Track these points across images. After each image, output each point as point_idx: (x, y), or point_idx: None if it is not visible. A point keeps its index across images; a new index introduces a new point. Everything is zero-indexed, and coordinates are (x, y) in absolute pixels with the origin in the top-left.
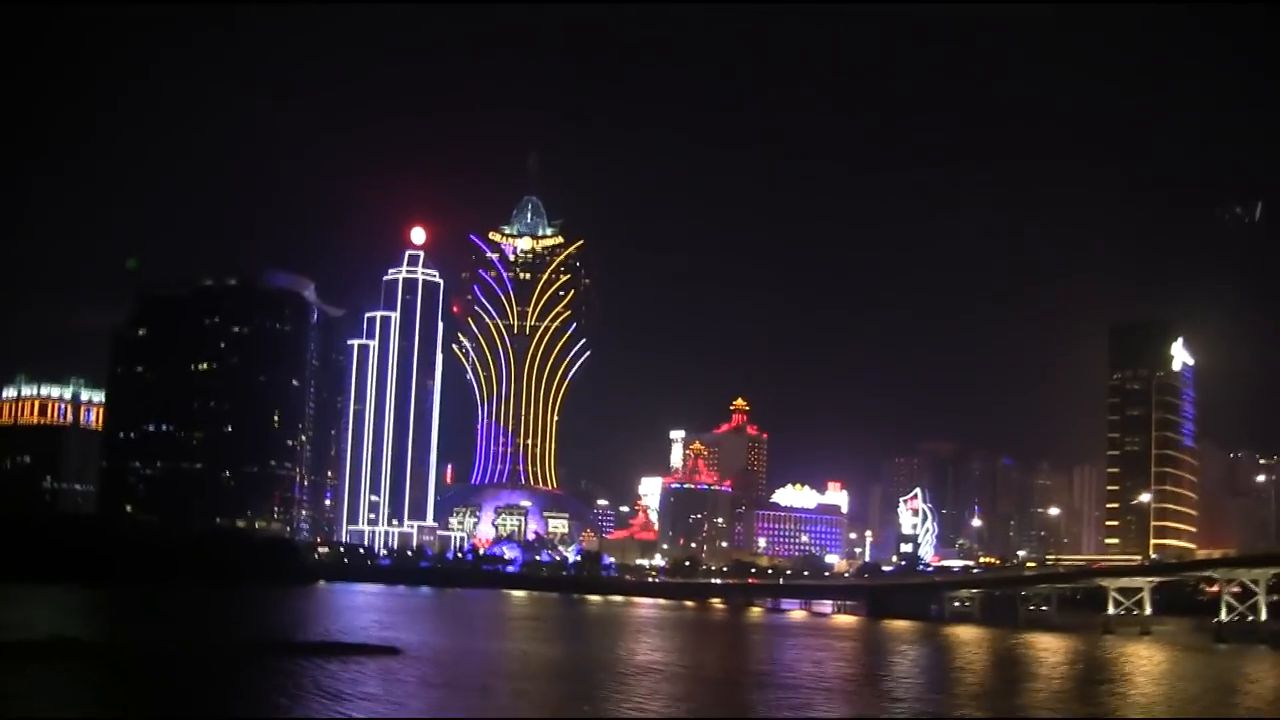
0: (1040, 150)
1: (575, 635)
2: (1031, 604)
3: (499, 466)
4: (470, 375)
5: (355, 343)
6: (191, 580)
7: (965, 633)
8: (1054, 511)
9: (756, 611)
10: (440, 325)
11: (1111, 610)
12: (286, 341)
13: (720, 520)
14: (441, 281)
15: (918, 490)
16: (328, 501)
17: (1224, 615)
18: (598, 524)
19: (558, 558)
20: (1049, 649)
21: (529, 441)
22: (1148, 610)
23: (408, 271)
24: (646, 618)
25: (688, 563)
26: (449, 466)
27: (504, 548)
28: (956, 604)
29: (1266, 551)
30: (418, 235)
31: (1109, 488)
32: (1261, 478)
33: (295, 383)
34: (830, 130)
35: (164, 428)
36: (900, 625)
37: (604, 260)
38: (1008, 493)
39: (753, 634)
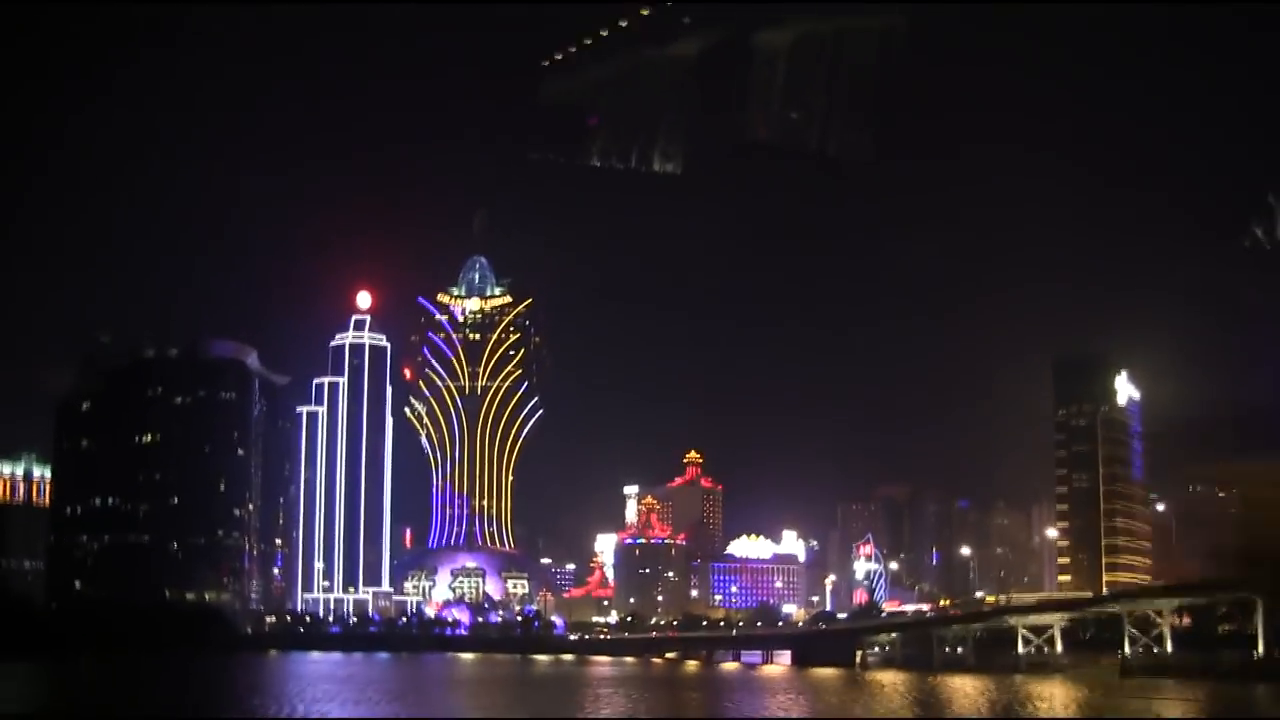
0: (983, 185)
1: (448, 695)
2: (948, 646)
3: (455, 529)
4: (424, 438)
5: (304, 409)
6: (130, 653)
7: (881, 677)
8: (987, 550)
9: (692, 665)
10: (389, 389)
11: (1021, 649)
12: (230, 410)
13: (673, 574)
14: (389, 345)
15: (869, 535)
16: (276, 570)
17: (1128, 650)
18: (556, 583)
19: (506, 619)
20: (945, 693)
21: (484, 503)
22: (1058, 648)
23: (354, 337)
24: (555, 675)
25: (631, 618)
26: (408, 530)
27: (453, 610)
28: (876, 649)
29: (1165, 584)
30: (364, 299)
31: (1059, 524)
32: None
33: (240, 451)
34: (782, 175)
35: (110, 501)
36: (822, 673)
37: (556, 315)
38: (965, 534)
39: (633, 689)
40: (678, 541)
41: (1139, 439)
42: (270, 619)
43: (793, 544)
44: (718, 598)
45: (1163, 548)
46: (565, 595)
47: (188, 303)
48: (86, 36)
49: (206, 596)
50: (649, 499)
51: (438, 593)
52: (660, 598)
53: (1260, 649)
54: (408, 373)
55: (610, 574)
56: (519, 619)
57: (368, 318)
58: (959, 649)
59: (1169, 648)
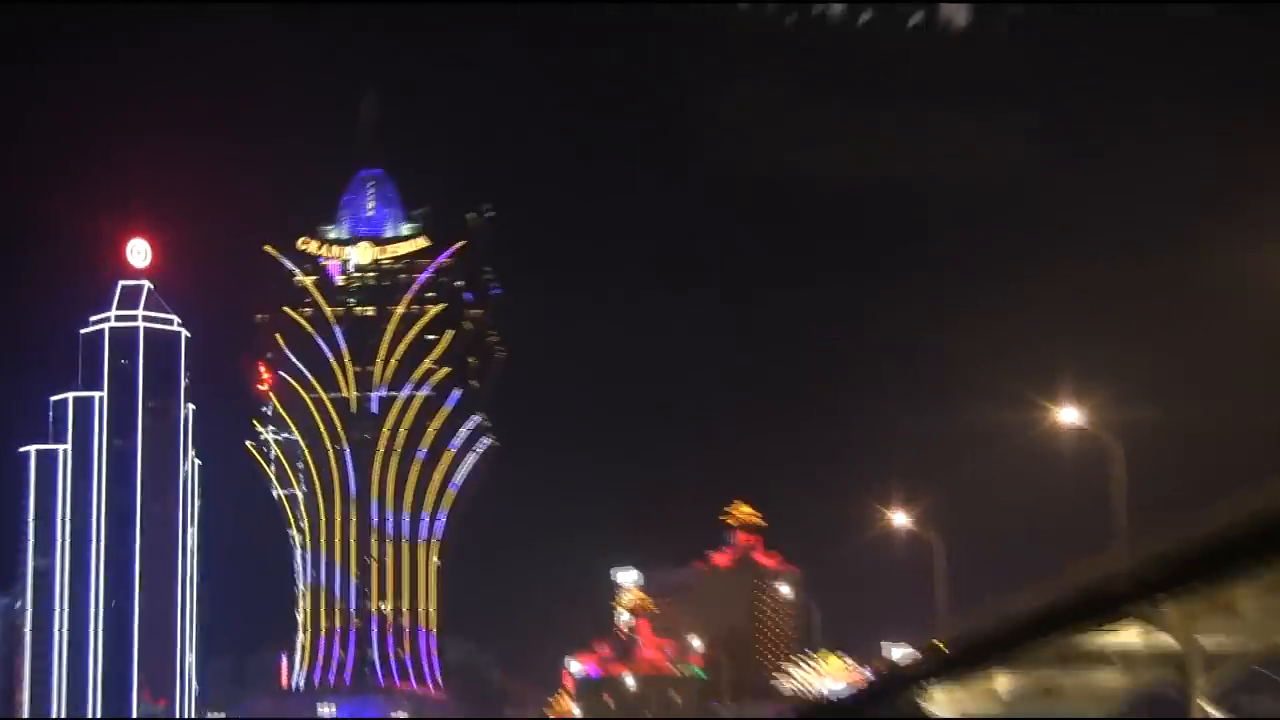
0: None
1: None
2: None
3: (339, 655)
4: (276, 492)
5: (32, 449)
6: None
7: None
8: None
9: None
10: (185, 408)
11: None
12: None
13: None
14: (184, 331)
15: None
16: None
17: None
18: None
19: None
20: None
21: (385, 605)
22: None
23: (118, 319)
24: None
25: None
26: (283, 658)
27: None
28: None
29: None
30: (138, 252)
31: None
32: None
33: None
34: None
35: None
36: None
37: (506, 271)
38: None
39: None
40: (688, 669)
41: None
42: None
43: None
44: None
45: None
46: None
47: None
48: None
49: None
50: (639, 595)
51: None
52: None
53: None
54: (268, 377)
55: None
56: None
57: (145, 284)
58: None
59: None
